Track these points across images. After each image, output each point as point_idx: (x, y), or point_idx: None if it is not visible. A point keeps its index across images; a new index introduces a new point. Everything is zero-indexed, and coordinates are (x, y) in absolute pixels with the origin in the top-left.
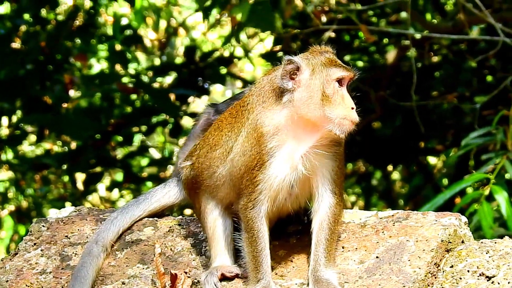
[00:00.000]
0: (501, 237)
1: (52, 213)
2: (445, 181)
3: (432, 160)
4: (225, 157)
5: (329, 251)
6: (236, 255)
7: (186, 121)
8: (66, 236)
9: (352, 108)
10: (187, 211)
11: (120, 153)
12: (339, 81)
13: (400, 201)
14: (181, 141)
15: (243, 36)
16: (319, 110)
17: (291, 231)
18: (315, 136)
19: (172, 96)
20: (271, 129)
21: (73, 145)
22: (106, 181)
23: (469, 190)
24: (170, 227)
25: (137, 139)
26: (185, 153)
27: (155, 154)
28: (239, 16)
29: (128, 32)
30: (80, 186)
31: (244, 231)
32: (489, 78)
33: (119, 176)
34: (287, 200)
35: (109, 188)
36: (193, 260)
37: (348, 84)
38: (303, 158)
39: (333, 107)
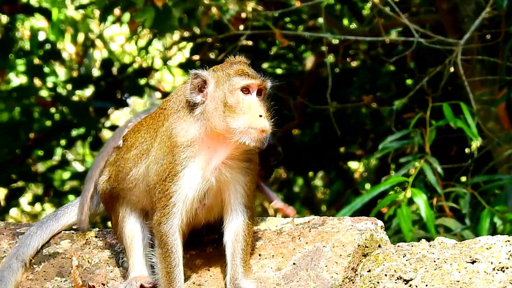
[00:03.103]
0: (419, 240)
1: None
2: (367, 186)
3: (353, 165)
4: (139, 159)
5: (245, 260)
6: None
7: (106, 134)
8: None
9: (261, 116)
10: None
11: (41, 167)
12: (246, 90)
13: (322, 207)
14: None
15: (159, 45)
16: (223, 121)
17: (208, 241)
18: (228, 149)
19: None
20: (185, 141)
21: None
22: (28, 195)
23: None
24: (87, 239)
25: (58, 152)
26: (97, 168)
27: (78, 167)
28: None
29: (46, 46)
30: (1, 201)
31: (158, 247)
32: (408, 81)
33: (41, 190)
34: (199, 211)
35: (31, 203)
36: (111, 271)
37: (259, 92)
38: (216, 170)
39: (236, 117)
